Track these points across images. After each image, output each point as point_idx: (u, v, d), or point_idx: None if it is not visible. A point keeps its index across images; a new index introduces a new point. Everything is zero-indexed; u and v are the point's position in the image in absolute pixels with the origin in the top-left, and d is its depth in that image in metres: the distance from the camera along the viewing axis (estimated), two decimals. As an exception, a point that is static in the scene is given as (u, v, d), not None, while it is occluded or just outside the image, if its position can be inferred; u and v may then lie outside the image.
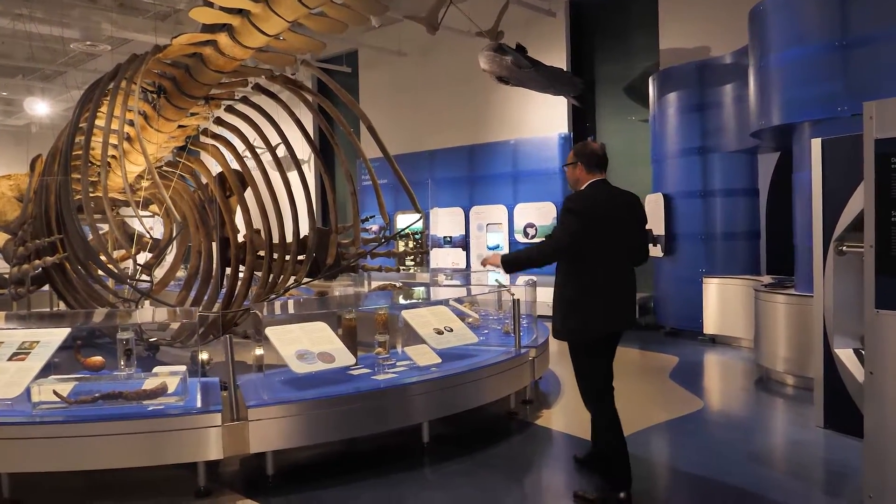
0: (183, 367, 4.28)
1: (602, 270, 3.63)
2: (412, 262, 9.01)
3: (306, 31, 5.84)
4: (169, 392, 4.07)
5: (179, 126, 7.23)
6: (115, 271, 5.95)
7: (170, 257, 9.59)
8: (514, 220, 11.31)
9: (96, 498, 3.96)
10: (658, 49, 9.76)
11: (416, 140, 13.00)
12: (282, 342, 4.49)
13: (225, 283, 8.16)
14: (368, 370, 4.75)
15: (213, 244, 8.52)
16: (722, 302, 8.18)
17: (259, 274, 7.86)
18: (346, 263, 7.31)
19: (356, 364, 4.80)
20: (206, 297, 8.35)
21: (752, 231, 8.50)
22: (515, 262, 3.87)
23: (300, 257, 7.55)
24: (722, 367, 7.44)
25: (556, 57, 10.45)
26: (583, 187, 3.79)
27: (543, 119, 11.03)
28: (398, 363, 4.91)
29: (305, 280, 7.51)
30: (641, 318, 9.54)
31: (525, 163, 11.26)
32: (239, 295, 8.10)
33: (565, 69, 10.46)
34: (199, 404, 4.01)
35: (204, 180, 8.45)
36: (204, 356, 5.75)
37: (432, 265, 12.56)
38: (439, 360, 4.91)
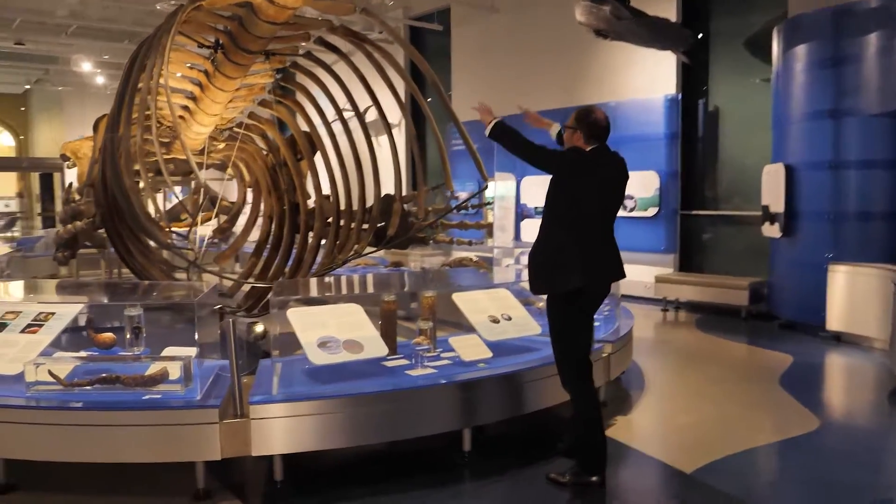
0: (191, 351, 3.77)
1: (589, 226, 3.59)
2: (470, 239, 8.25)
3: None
4: (171, 379, 3.58)
5: (245, 85, 6.80)
6: (160, 238, 5.58)
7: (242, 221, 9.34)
8: (611, 191, 10.29)
9: (93, 488, 3.56)
10: (787, -5, 8.38)
11: (509, 102, 12.05)
12: (304, 326, 3.91)
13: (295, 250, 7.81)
14: (407, 362, 4.10)
15: (284, 209, 8.18)
16: (851, 293, 6.93)
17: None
18: (412, 234, 6.69)
19: (393, 355, 4.17)
20: (274, 265, 8.04)
21: (893, 211, 7.11)
22: (506, 134, 3.82)
23: (365, 226, 7.04)
24: (847, 374, 6.28)
25: (665, 7, 9.24)
26: (587, 149, 3.64)
27: (649, 79, 9.85)
28: (443, 355, 4.23)
29: (369, 250, 6.97)
30: (753, 305, 8.36)
31: (626, 127, 10.14)
32: (305, 263, 7.69)
33: (675, 20, 9.23)
34: (199, 396, 3.50)
35: (276, 143, 8.07)
36: (258, 329, 5.33)
37: (522, 238, 11.75)
38: (489, 355, 4.19)
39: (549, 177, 3.69)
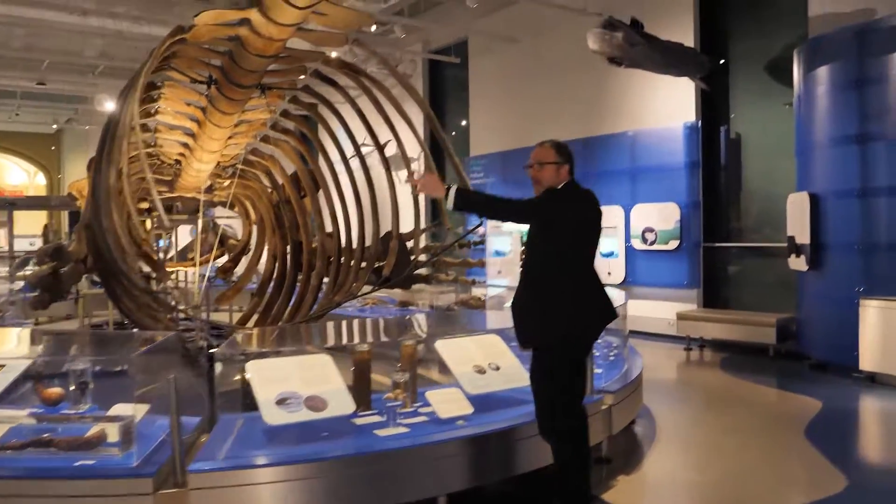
0: (137, 409, 3.44)
1: (579, 269, 3.41)
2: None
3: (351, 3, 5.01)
4: (108, 442, 3.26)
5: (243, 121, 6.62)
6: (136, 281, 5.33)
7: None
8: (630, 224, 9.84)
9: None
10: (806, 15, 7.93)
11: (526, 134, 11.80)
12: (262, 381, 3.56)
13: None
14: (381, 419, 3.72)
15: (287, 248, 7.95)
16: (885, 330, 6.36)
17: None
18: (407, 273, 6.36)
19: (365, 411, 3.79)
20: (276, 305, 7.78)
21: (930, 241, 6.57)
22: (472, 199, 3.48)
23: (364, 264, 6.75)
24: (881, 421, 5.71)
25: (682, 32, 8.85)
26: (559, 187, 3.43)
27: (667, 106, 9.44)
28: (421, 410, 3.84)
29: (368, 290, 6.65)
30: (780, 344, 7.80)
31: (645, 157, 9.73)
32: (306, 304, 7.42)
33: (693, 46, 8.84)
34: (135, 462, 3.16)
35: (279, 180, 7.87)
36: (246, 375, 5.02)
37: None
38: (470, 411, 3.78)
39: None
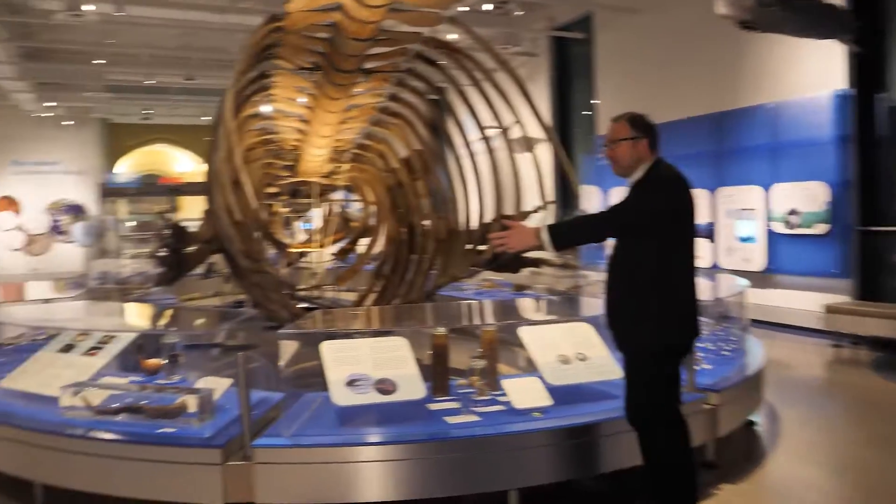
0: (221, 382, 3.57)
1: (684, 265, 3.07)
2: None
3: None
4: (189, 412, 3.40)
5: (354, 105, 6.74)
6: (241, 260, 5.54)
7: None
8: (771, 205, 9.01)
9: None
10: None
11: (656, 110, 10.98)
12: (335, 361, 3.57)
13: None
14: (456, 406, 3.61)
15: (401, 230, 8.02)
16: None
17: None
18: (508, 256, 6.18)
19: (442, 397, 3.70)
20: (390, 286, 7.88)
21: None
22: (568, 233, 3.17)
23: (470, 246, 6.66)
24: None
25: (832, -11, 7.92)
26: (647, 166, 3.09)
27: (812, 74, 8.49)
28: (500, 399, 3.69)
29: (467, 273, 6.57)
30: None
31: (788, 132, 8.84)
32: (416, 285, 7.45)
33: (835, 3, 7.88)
34: (208, 434, 3.27)
35: (393, 163, 7.95)
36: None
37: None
38: (548, 402, 3.58)
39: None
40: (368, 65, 6.01)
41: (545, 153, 14.23)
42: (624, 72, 12.02)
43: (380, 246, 8.66)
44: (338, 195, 10.01)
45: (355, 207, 10.98)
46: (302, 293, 8.45)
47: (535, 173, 6.20)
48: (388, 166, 8.02)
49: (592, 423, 3.46)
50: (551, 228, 3.02)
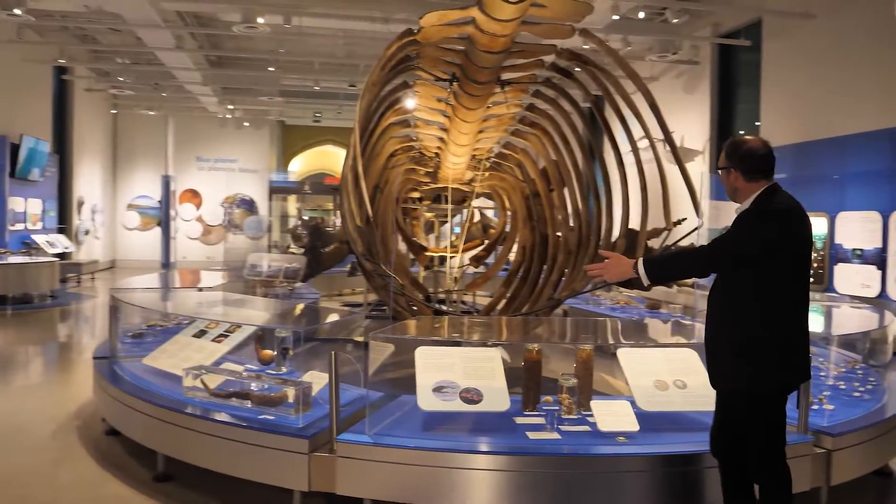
0: (322, 377, 3.79)
1: (795, 300, 2.84)
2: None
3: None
4: (288, 402, 3.65)
5: (491, 115, 6.87)
6: (362, 262, 5.81)
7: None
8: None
9: (235, 491, 3.77)
10: None
11: (824, 124, 10.30)
12: (426, 367, 3.68)
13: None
14: (540, 422, 3.60)
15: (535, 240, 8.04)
16: None
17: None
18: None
19: (530, 411, 3.70)
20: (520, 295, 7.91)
21: None
22: (664, 268, 3.03)
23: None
24: None
25: None
26: (754, 197, 2.86)
27: None
28: (590, 419, 3.62)
29: (587, 288, 6.45)
30: None
31: None
32: (543, 296, 7.44)
33: None
34: (301, 424, 3.50)
35: (530, 173, 7.99)
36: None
37: (835, 283, 9.83)
38: (635, 428, 3.46)
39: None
40: (504, 76, 6.08)
41: (697, 166, 13.62)
42: (792, 80, 11.21)
43: (513, 254, 8.72)
44: (478, 202, 10.19)
45: (493, 215, 11.12)
46: (435, 296, 8.69)
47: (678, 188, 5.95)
48: (525, 176, 8.07)
49: (672, 454, 3.31)
50: (647, 262, 2.92)
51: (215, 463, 3.63)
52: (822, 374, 4.59)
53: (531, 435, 3.42)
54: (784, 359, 2.80)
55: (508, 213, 8.96)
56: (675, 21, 12.19)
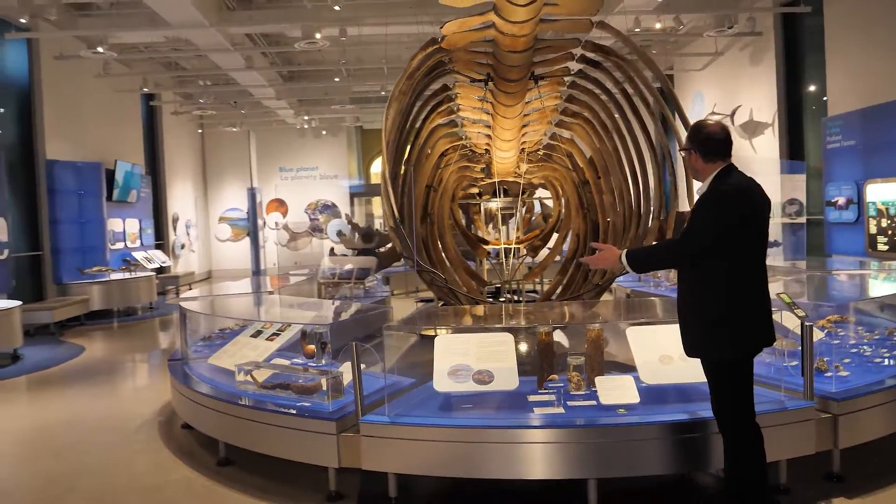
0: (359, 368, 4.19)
1: (752, 275, 3.07)
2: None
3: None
4: (323, 390, 4.09)
5: (534, 109, 7.13)
6: (406, 258, 6.17)
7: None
8: None
9: (282, 475, 4.25)
10: None
11: (890, 87, 9.90)
12: (444, 352, 4.03)
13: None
14: (550, 399, 3.87)
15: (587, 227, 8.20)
16: None
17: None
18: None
19: (541, 389, 3.98)
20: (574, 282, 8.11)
21: None
22: (644, 259, 3.31)
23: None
24: None
25: None
26: (710, 177, 3.12)
27: None
28: (595, 394, 3.87)
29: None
30: None
31: None
32: (590, 281, 7.63)
33: None
34: (331, 409, 3.92)
35: (579, 162, 8.16)
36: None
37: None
38: (635, 401, 3.69)
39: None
40: (537, 71, 6.28)
41: (766, 140, 13.27)
42: (857, 43, 10.79)
43: (568, 242, 8.91)
44: (539, 193, 10.40)
45: (550, 205, 11.28)
46: (493, 287, 9.00)
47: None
48: (574, 165, 8.24)
49: (664, 423, 3.51)
50: (630, 254, 3.18)
51: (263, 446, 4.12)
52: (844, 341, 4.64)
53: (537, 410, 3.71)
54: (746, 328, 3.03)
55: (562, 201, 9.16)
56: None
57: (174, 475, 4.43)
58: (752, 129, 14.00)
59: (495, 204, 9.72)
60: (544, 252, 9.39)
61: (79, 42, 11.70)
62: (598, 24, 5.78)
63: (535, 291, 9.19)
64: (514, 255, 9.67)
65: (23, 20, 10.68)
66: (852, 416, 3.76)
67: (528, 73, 6.19)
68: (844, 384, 3.97)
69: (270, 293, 7.64)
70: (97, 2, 11.42)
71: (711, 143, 3.10)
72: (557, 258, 9.29)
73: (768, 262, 3.18)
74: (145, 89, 15.52)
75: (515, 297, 8.20)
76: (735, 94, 14.37)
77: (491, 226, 11.07)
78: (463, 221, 9.76)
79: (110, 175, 13.65)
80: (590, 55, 6.39)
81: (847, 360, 4.36)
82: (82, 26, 11.46)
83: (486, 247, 10.20)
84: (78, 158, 12.75)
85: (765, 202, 3.12)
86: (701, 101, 16.01)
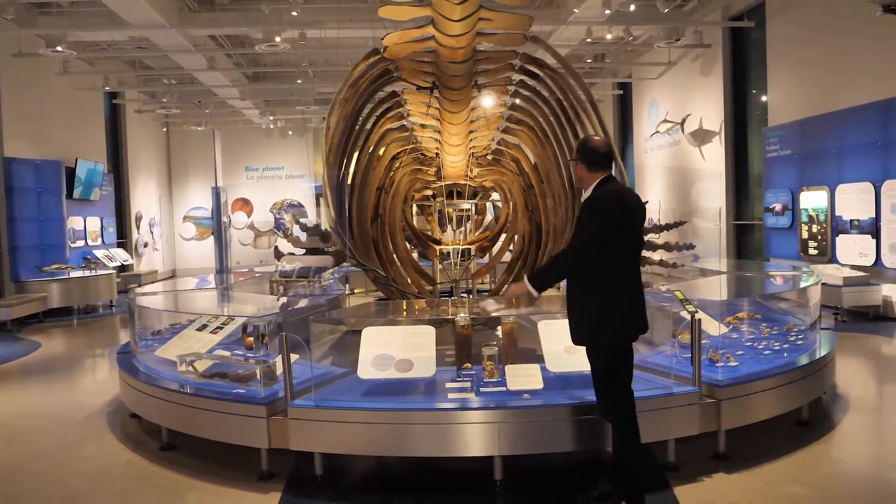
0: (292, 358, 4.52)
1: (627, 272, 3.46)
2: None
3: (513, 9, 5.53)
4: (257, 378, 4.40)
5: (480, 116, 7.48)
6: (356, 257, 6.50)
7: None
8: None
9: (222, 457, 4.53)
10: None
11: (827, 99, 10.46)
12: (371, 343, 4.37)
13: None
14: (465, 385, 4.23)
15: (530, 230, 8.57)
16: None
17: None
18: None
19: (457, 376, 4.34)
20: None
21: None
22: (546, 278, 3.63)
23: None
24: None
25: None
26: (592, 186, 3.50)
27: None
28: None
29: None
30: None
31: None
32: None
33: None
34: (263, 395, 4.24)
35: (525, 167, 8.53)
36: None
37: (837, 254, 10.02)
38: (539, 387, 4.07)
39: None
40: (480, 80, 6.62)
41: (714, 147, 13.80)
42: (796, 58, 11.39)
43: (514, 243, 9.29)
44: (495, 196, 10.78)
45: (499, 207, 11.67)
46: (441, 286, 9.34)
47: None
48: (520, 170, 8.62)
49: (559, 405, 3.91)
50: (532, 277, 3.55)
51: (201, 431, 4.42)
52: (743, 335, 5.09)
53: (451, 395, 4.06)
54: (624, 319, 3.44)
55: (511, 204, 9.55)
56: (683, 8, 12.43)
57: (119, 459, 4.71)
58: (702, 137, 14.57)
59: (448, 206, 10.08)
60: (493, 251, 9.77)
61: (38, 40, 11.81)
62: (531, 38, 6.16)
63: (486, 292, 9.60)
64: (465, 255, 10.04)
65: (-20, 19, 10.79)
66: (735, 400, 4.18)
67: (470, 82, 6.54)
68: (732, 373, 4.40)
69: (225, 289, 7.91)
70: (57, 0, 11.54)
71: (595, 155, 3.49)
72: (505, 259, 9.68)
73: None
74: (107, 87, 15.60)
75: (463, 294, 8.55)
76: (687, 102, 14.93)
77: (441, 226, 11.44)
78: (415, 222, 10.09)
79: (71, 173, 13.74)
80: (527, 67, 6.78)
81: (740, 353, 4.79)
82: (41, 24, 11.58)
83: (437, 247, 10.57)
84: (38, 156, 12.85)
85: (639, 210, 3.53)
86: (657, 109, 16.57)
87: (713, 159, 14.15)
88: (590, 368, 3.57)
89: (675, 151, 15.66)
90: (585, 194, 3.54)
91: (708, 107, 14.24)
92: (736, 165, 13.73)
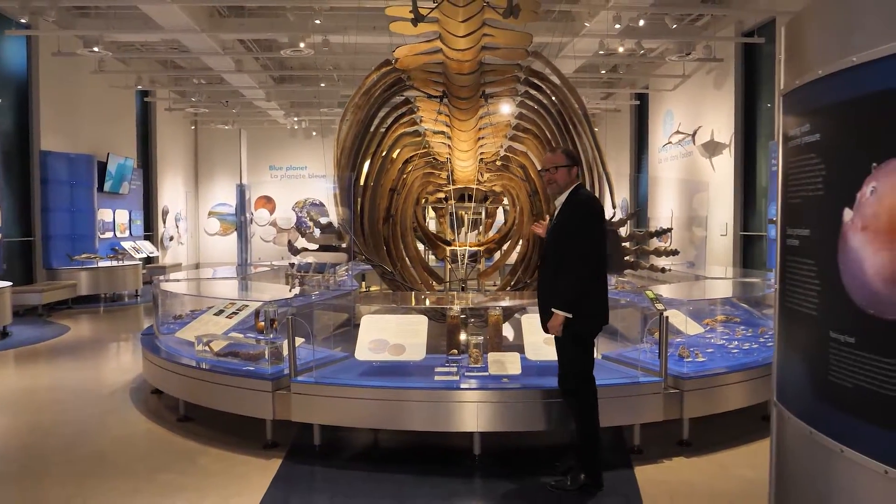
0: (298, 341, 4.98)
1: (602, 266, 3.87)
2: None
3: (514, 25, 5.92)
4: (265, 357, 4.87)
5: (488, 123, 7.92)
6: (366, 254, 6.97)
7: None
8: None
9: (233, 427, 5.01)
10: None
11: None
12: (368, 330, 4.82)
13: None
14: (452, 370, 4.67)
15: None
16: None
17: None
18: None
19: (448, 362, 4.77)
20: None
21: None
22: (572, 299, 3.80)
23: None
24: None
25: None
26: (568, 191, 3.88)
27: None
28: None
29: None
30: None
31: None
32: (522, 282, 8.40)
33: None
34: (269, 372, 4.71)
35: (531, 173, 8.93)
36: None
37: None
38: (517, 372, 4.49)
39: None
40: (487, 91, 7.04)
41: (724, 159, 14.09)
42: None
43: (520, 246, 9.69)
44: (506, 201, 11.17)
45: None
46: (451, 285, 9.77)
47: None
48: (527, 175, 9.02)
49: (531, 389, 4.34)
50: (564, 305, 3.77)
51: (214, 402, 4.90)
52: (717, 335, 5.47)
53: (437, 378, 4.51)
54: (590, 312, 3.82)
55: (518, 209, 9.94)
56: (697, 23, 12.74)
57: (139, 428, 5.21)
58: (713, 149, 14.87)
59: (459, 209, 10.49)
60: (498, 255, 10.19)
61: (76, 40, 12.47)
62: (532, 53, 6.59)
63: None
64: (474, 256, 10.46)
65: (23, 20, 11.44)
66: (699, 392, 4.57)
67: (478, 92, 6.97)
68: (698, 368, 4.78)
69: (243, 279, 8.43)
70: (95, 3, 12.18)
71: (580, 162, 3.94)
72: (510, 261, 10.10)
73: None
74: (139, 86, 16.27)
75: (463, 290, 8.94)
76: (700, 114, 15.24)
77: (452, 228, 11.84)
78: (430, 224, 10.53)
79: (102, 167, 14.40)
80: (531, 79, 7.20)
81: (710, 350, 5.18)
82: (80, 26, 12.23)
83: (447, 248, 11.00)
84: (71, 150, 13.52)
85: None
86: (671, 119, 16.89)
87: (723, 171, 14.44)
88: (559, 356, 3.97)
89: (688, 162, 15.97)
90: (561, 198, 3.92)
91: (720, 119, 14.54)
92: (745, 177, 14.01)
